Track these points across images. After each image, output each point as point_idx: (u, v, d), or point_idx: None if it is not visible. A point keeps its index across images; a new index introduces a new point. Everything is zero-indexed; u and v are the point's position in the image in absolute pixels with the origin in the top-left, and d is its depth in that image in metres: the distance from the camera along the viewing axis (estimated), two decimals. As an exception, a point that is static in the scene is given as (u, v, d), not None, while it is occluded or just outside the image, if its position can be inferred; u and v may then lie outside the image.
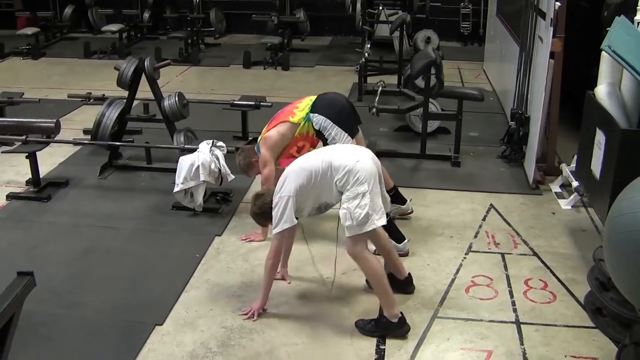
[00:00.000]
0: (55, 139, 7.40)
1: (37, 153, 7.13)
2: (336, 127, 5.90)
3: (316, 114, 6.00)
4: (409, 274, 5.39)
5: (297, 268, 5.73)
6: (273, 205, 4.94)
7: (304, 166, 4.95)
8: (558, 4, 6.85)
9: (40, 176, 7.23)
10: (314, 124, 5.99)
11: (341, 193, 4.83)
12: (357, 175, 4.74)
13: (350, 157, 4.86)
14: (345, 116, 6.04)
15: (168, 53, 12.66)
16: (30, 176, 7.17)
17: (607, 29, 5.89)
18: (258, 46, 13.32)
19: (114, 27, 14.10)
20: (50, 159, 7.87)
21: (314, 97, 6.23)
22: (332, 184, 4.84)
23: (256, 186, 7.28)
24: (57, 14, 15.09)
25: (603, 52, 5.77)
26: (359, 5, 13.15)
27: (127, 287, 5.48)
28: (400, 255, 5.57)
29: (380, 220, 4.80)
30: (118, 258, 5.93)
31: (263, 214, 5.17)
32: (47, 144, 7.29)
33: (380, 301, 4.95)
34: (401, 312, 4.88)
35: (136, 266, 5.79)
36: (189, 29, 13.83)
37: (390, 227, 5.68)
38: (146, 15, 15.05)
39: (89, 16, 15.09)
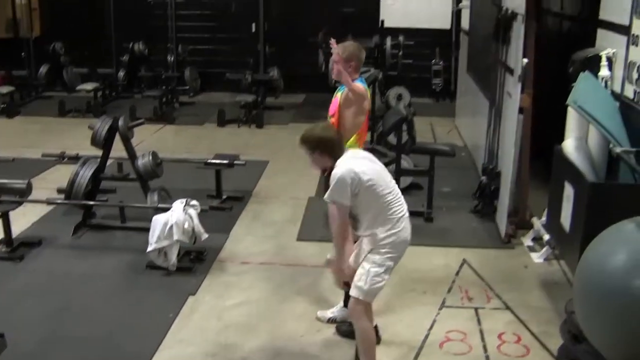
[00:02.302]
0: (29, 198, 7.38)
1: (10, 212, 7.10)
2: None
3: None
4: (376, 325, 5.38)
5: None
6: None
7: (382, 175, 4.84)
8: (525, 60, 6.99)
9: (13, 236, 7.18)
10: None
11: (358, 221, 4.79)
12: (398, 248, 4.76)
13: (408, 230, 4.84)
14: None
15: (143, 111, 12.70)
16: (2, 236, 7.13)
17: (573, 84, 6.02)
18: (232, 104, 13.40)
19: (89, 85, 14.13)
20: (24, 219, 7.84)
21: None
22: (373, 217, 4.71)
23: (230, 245, 7.30)
24: (32, 73, 15.10)
25: (570, 107, 5.90)
26: (331, 63, 13.28)
27: (100, 347, 5.43)
28: None
29: None
30: (91, 318, 5.87)
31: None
32: (20, 203, 7.27)
33: None
34: None
35: (110, 326, 5.73)
36: (163, 87, 13.91)
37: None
38: (121, 74, 15.10)
39: (64, 75, 15.12)
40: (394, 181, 4.91)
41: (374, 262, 4.70)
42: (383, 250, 4.69)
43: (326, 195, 4.75)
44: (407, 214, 4.82)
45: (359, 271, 4.74)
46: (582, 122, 6.05)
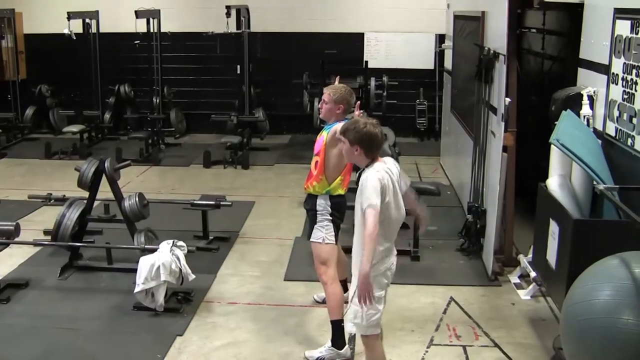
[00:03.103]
0: (15, 239, 7.36)
1: (-3, 255, 7.10)
2: None
3: None
4: None
5: None
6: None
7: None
8: (508, 99, 7.07)
9: (0, 278, 7.15)
10: None
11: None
12: (387, 275, 4.79)
13: (393, 256, 4.86)
14: None
15: (129, 153, 12.73)
16: (-12, 278, 7.11)
17: (555, 122, 6.10)
18: (218, 145, 13.44)
19: (75, 127, 14.19)
20: (10, 260, 7.81)
21: None
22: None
23: (216, 286, 7.30)
24: (18, 115, 15.12)
25: (552, 146, 5.96)
26: (316, 104, 13.38)
27: (87, 389, 5.42)
28: None
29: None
30: (78, 358, 5.85)
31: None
32: (6, 245, 7.25)
33: None
34: None
35: (97, 368, 5.72)
36: (149, 129, 13.95)
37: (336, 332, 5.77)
38: (107, 116, 15.16)
39: (50, 117, 15.17)
40: None
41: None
42: (375, 275, 4.69)
43: (363, 203, 4.63)
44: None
45: (353, 308, 4.76)
46: (565, 160, 6.12)
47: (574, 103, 6.32)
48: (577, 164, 5.87)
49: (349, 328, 4.93)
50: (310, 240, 5.95)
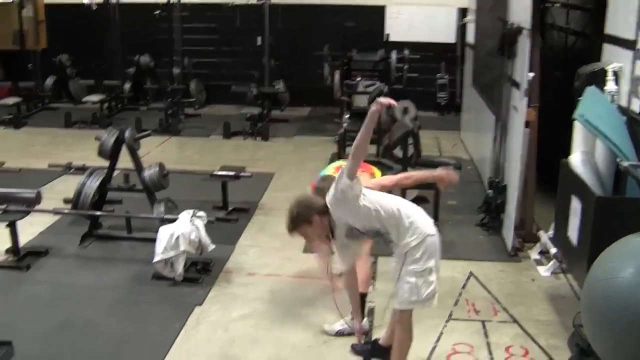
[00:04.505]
0: (36, 208, 7.39)
1: (17, 222, 7.12)
2: None
3: None
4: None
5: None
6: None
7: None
8: (531, 74, 6.99)
9: (20, 245, 7.21)
10: None
11: (390, 241, 4.75)
12: (430, 248, 4.69)
13: (429, 224, 4.77)
14: None
15: (148, 123, 12.73)
16: (9, 245, 7.15)
17: (579, 98, 6.04)
18: (238, 117, 13.44)
19: (95, 97, 14.20)
20: (31, 228, 7.85)
21: None
22: (393, 230, 4.68)
23: (236, 257, 7.31)
24: (38, 85, 15.15)
25: (576, 121, 5.91)
26: (337, 77, 13.34)
27: (106, 358, 5.45)
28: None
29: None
30: (97, 329, 5.88)
31: None
32: (27, 213, 7.28)
33: None
34: None
35: (115, 337, 5.74)
36: (169, 99, 13.92)
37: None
38: (127, 86, 15.14)
39: (70, 87, 15.18)
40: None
41: (415, 272, 4.66)
42: (417, 255, 4.65)
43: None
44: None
45: (405, 287, 4.68)
46: (588, 136, 6.06)
47: (599, 79, 6.24)
48: (600, 141, 5.82)
49: (398, 307, 4.86)
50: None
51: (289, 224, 4.86)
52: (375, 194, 4.76)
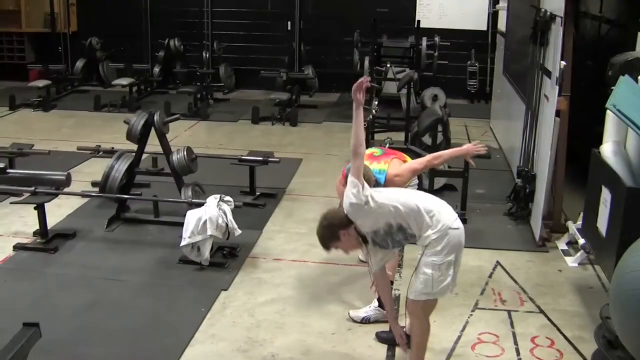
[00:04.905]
0: (64, 190, 7.44)
1: (46, 204, 7.17)
2: None
3: None
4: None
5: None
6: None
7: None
8: (563, 63, 6.92)
9: (48, 227, 7.26)
10: None
11: (412, 236, 4.70)
12: (452, 241, 4.64)
13: (452, 217, 4.73)
14: None
15: (177, 107, 12.79)
16: (37, 227, 7.21)
17: (612, 87, 5.95)
18: (266, 102, 13.43)
19: (124, 81, 14.25)
20: (59, 211, 7.91)
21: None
22: (413, 224, 4.64)
23: (262, 242, 7.31)
24: (68, 67, 15.25)
25: (608, 111, 5.82)
26: (366, 63, 13.28)
27: (132, 340, 5.48)
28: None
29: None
30: (124, 311, 5.93)
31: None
32: (55, 195, 7.34)
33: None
34: None
35: (142, 319, 5.79)
36: (198, 84, 13.96)
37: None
38: (156, 69, 15.22)
39: (100, 70, 15.26)
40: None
41: (433, 264, 4.63)
42: (438, 248, 4.62)
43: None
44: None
45: (421, 278, 4.66)
46: (620, 126, 5.97)
47: (633, 68, 6.14)
48: (633, 131, 5.73)
49: (410, 296, 4.83)
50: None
51: (321, 245, 4.96)
52: (391, 192, 4.80)
